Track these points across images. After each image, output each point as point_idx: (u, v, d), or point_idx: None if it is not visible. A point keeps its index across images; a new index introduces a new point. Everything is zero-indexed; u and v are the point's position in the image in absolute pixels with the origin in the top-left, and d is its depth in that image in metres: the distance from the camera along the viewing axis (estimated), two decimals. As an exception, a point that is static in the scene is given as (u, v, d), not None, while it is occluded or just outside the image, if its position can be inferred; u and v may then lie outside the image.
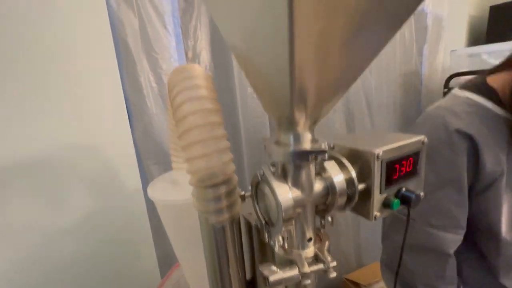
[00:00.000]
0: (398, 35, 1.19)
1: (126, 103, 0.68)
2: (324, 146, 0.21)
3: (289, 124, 0.21)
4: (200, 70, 0.30)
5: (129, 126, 0.68)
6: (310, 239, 0.24)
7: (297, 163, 0.22)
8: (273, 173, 0.23)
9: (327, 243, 0.24)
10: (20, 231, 0.53)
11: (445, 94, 1.14)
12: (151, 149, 0.74)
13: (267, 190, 0.23)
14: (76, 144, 0.59)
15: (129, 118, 0.69)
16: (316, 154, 0.20)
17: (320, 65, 0.18)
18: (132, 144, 0.68)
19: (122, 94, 0.66)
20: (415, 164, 0.27)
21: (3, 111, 0.50)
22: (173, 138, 0.42)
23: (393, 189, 0.26)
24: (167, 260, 0.75)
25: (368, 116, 1.18)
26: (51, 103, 0.55)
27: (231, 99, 0.85)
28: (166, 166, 0.73)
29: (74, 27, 0.57)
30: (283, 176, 0.23)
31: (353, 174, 0.24)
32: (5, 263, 0.52)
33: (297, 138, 0.21)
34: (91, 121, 0.60)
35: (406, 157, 0.26)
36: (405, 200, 0.26)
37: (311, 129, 0.22)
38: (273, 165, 0.23)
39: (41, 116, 0.54)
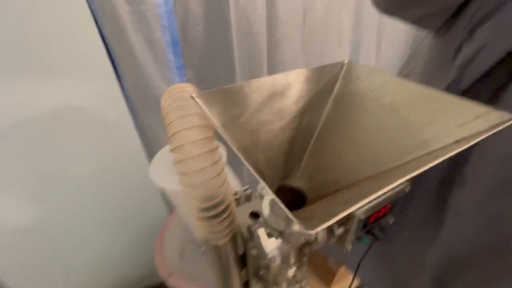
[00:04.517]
0: None
1: (109, 51, 0.61)
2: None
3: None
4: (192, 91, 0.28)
5: (116, 78, 0.63)
6: (291, 265, 0.30)
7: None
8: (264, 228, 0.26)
9: (305, 268, 0.30)
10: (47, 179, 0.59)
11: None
12: (143, 98, 0.71)
13: (258, 244, 0.27)
14: (64, 103, 0.57)
15: (115, 68, 0.64)
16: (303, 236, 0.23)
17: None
18: (122, 97, 0.66)
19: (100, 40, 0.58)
20: (392, 207, 0.30)
21: None
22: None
23: (367, 228, 0.30)
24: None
25: (375, 48, 1.08)
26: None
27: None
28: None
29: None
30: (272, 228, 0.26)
31: (335, 227, 0.27)
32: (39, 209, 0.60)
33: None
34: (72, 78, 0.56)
35: (385, 207, 0.29)
36: (374, 236, 0.30)
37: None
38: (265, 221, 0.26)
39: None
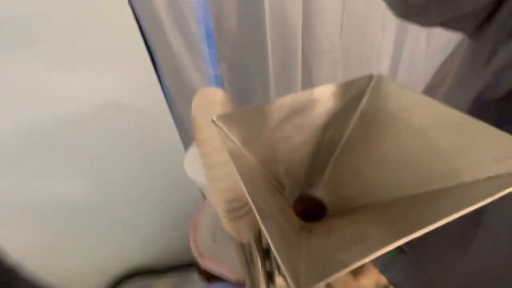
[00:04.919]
0: None
1: (148, 46, 0.65)
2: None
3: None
4: (220, 96, 0.29)
5: (155, 71, 0.67)
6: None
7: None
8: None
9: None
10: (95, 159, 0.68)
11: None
12: (180, 89, 0.75)
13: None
14: (107, 95, 0.62)
15: (154, 61, 0.67)
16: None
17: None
18: (160, 89, 0.70)
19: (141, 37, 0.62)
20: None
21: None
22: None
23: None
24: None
25: (426, 32, 0.97)
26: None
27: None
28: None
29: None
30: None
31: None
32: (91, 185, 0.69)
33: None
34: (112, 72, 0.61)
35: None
36: (401, 249, 0.30)
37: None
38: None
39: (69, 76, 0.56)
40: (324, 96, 0.19)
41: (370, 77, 0.20)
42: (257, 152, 0.19)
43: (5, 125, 0.53)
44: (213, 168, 0.27)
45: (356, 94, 0.20)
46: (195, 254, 0.67)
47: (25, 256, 0.65)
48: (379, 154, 0.19)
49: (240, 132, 0.18)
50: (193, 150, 0.57)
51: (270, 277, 0.44)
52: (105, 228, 0.78)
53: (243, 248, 0.37)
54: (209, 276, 0.69)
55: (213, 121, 0.17)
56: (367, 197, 0.19)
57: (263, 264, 0.41)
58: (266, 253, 0.41)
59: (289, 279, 0.09)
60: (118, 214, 0.79)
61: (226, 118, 0.17)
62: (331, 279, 0.09)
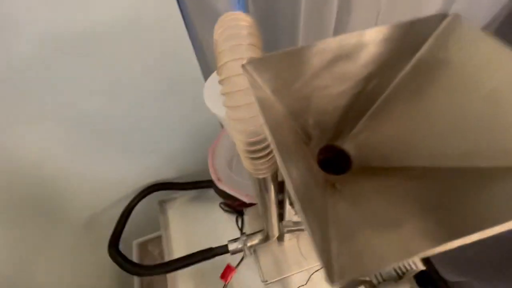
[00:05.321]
0: None
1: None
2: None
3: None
4: (245, 20, 0.26)
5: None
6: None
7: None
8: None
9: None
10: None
11: None
12: (200, 10, 0.66)
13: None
14: (122, 18, 0.57)
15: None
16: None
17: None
18: (178, 11, 0.63)
19: None
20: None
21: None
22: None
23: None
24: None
25: None
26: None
27: None
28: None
29: None
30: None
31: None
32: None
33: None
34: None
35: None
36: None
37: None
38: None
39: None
40: (375, 40, 0.16)
41: (441, 17, 0.15)
42: (288, 102, 0.17)
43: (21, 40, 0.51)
44: (236, 109, 0.25)
45: (416, 39, 0.16)
46: (213, 177, 0.72)
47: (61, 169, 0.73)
48: (426, 113, 0.17)
49: (272, 79, 0.15)
50: (212, 80, 0.54)
51: (281, 206, 0.48)
52: (134, 146, 0.85)
53: (259, 181, 0.39)
54: (224, 195, 0.76)
55: (243, 66, 0.14)
56: (401, 159, 0.18)
57: (276, 196, 0.44)
58: (279, 186, 0.43)
59: (322, 264, 0.09)
60: (142, 135, 0.83)
61: (258, 62, 0.14)
62: (367, 275, 0.09)
